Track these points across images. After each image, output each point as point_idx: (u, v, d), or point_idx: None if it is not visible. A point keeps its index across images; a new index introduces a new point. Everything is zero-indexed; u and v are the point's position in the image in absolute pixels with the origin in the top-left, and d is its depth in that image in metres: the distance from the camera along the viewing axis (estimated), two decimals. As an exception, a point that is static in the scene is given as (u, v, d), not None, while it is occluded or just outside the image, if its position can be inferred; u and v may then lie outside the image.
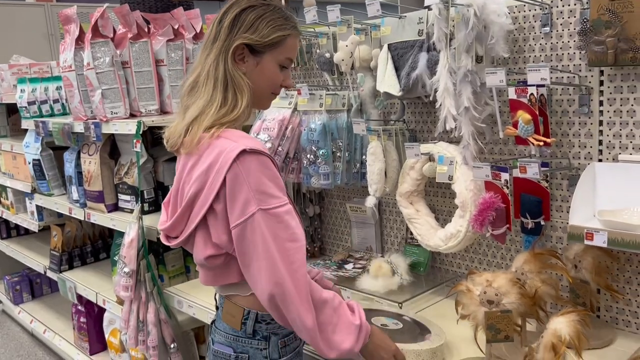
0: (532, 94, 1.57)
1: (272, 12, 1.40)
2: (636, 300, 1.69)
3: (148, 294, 2.41)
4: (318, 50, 2.36)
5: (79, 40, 2.64)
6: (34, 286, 4.17)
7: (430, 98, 1.82)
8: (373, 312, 1.89)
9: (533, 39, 1.78)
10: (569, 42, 1.70)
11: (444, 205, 2.14)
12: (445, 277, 2.14)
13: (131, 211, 2.62)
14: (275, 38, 1.39)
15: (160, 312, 2.44)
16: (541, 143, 1.59)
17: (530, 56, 1.79)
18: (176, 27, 2.77)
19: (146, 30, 2.74)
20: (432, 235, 1.97)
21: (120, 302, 2.58)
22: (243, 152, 1.29)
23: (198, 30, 2.85)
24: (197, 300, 2.30)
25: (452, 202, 1.88)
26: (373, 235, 2.42)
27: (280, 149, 2.25)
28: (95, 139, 2.65)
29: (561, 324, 1.30)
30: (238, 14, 1.38)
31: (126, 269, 2.35)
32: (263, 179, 1.30)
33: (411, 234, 2.10)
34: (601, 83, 1.66)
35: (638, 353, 1.40)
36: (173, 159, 2.80)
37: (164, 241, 1.52)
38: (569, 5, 1.68)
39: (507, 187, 1.69)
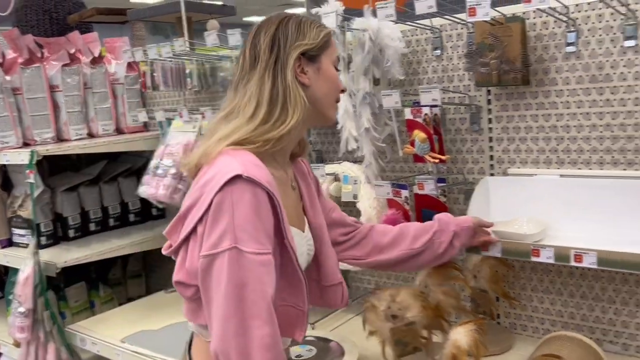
0: (426, 114, 1.65)
1: (305, 17, 1.32)
2: (531, 305, 1.79)
3: (47, 334, 2.25)
4: (222, 74, 2.35)
5: (-36, 65, 2.47)
6: None
7: (332, 120, 1.85)
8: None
9: (426, 61, 1.87)
10: (458, 64, 1.80)
11: (351, 224, 2.17)
12: (356, 294, 2.16)
13: (27, 246, 2.46)
14: (324, 37, 1.31)
15: (62, 352, 2.29)
16: (437, 160, 1.67)
17: (424, 78, 1.88)
18: (72, 51, 2.66)
19: (39, 55, 2.61)
20: (340, 254, 1.99)
21: (17, 344, 2.39)
22: (237, 177, 1.11)
23: (96, 55, 2.75)
24: (102, 336, 2.18)
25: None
26: (285, 257, 2.42)
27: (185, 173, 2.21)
28: (-16, 170, 2.48)
29: (460, 334, 1.35)
30: (275, 30, 1.27)
31: (21, 309, 2.19)
32: (251, 215, 1.11)
33: (321, 253, 2.11)
34: (489, 102, 1.77)
35: (534, 355, 1.48)
36: (72, 189, 2.67)
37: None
38: (456, 29, 1.79)
39: (408, 204, 1.75)
